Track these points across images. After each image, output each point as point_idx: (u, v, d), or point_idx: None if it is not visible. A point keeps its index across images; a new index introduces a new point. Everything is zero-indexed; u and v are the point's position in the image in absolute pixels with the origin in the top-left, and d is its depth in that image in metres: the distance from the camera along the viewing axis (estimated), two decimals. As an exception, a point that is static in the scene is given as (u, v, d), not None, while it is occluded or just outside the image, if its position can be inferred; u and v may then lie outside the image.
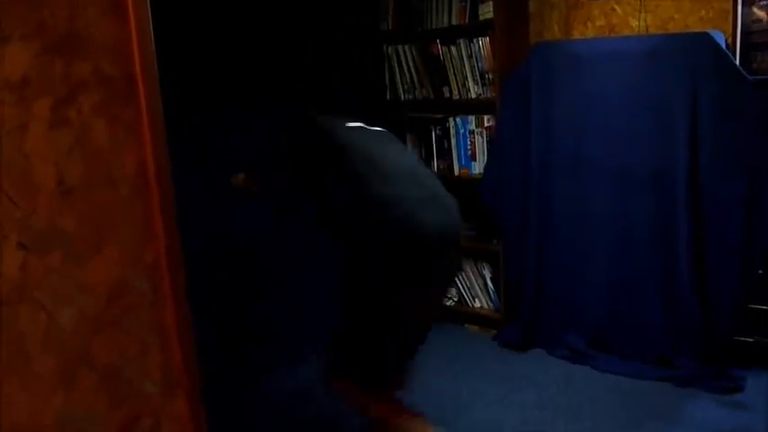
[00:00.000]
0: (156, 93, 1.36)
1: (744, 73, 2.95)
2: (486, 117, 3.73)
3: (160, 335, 1.41)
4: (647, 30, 3.42)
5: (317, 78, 3.46)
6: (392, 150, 2.26)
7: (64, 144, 1.21)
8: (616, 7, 3.51)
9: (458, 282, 4.03)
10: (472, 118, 3.78)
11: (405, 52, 3.92)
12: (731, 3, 3.18)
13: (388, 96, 4.04)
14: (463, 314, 4.00)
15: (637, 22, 3.44)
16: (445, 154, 3.92)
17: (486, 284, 3.95)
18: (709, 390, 3.07)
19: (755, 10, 3.15)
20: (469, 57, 3.69)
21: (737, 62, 3.07)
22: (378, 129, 2.30)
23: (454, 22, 3.73)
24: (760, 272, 3.11)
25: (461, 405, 3.10)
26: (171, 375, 1.44)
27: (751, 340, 3.23)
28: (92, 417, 1.30)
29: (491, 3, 3.54)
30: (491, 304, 3.95)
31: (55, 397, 1.25)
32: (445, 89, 3.83)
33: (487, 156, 3.72)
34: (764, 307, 3.22)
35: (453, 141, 3.87)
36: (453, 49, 3.73)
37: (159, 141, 1.37)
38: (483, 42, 3.63)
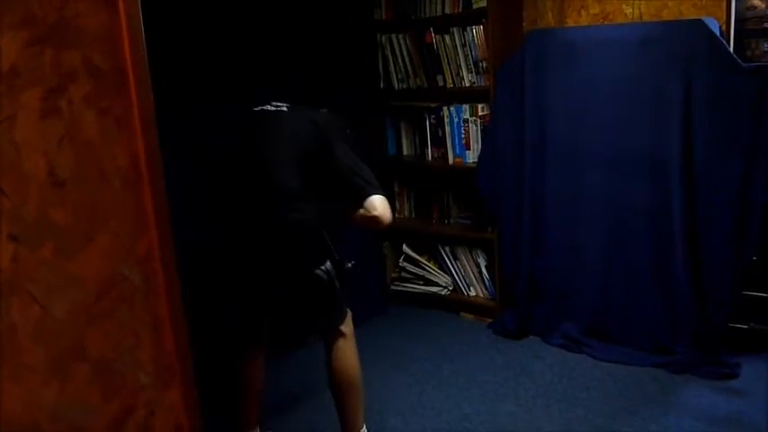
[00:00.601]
0: (147, 85, 1.35)
1: (738, 60, 2.94)
2: (480, 105, 3.73)
3: (153, 327, 1.41)
4: (641, 17, 3.41)
5: (311, 68, 3.44)
6: None
7: (54, 135, 1.20)
8: (610, -6, 3.51)
9: (453, 270, 4.04)
10: (466, 107, 3.77)
11: (398, 41, 3.91)
12: (725, -10, 3.18)
13: (381, 85, 4.03)
14: (458, 302, 4.01)
15: (631, 10, 3.44)
16: (439, 143, 3.92)
17: (481, 273, 3.95)
18: (703, 376, 3.09)
19: (749, -3, 3.14)
20: (463, 45, 3.68)
21: (731, 49, 3.06)
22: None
23: (448, 10, 3.72)
24: (754, 258, 3.11)
25: (456, 393, 3.11)
26: (164, 367, 1.44)
27: (745, 327, 3.24)
28: (85, 409, 1.30)
29: (485, -9, 3.53)
30: (486, 292, 3.95)
31: (48, 389, 1.24)
32: (439, 78, 3.82)
33: (482, 144, 3.72)
34: (759, 293, 3.24)
35: (447, 130, 3.86)
36: (447, 37, 3.72)
37: (151, 134, 1.37)
38: (476, 31, 3.62)
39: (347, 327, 2.50)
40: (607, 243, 3.36)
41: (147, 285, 1.40)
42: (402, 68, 3.94)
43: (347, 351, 2.49)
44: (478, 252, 3.96)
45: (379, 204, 2.29)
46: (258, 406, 2.67)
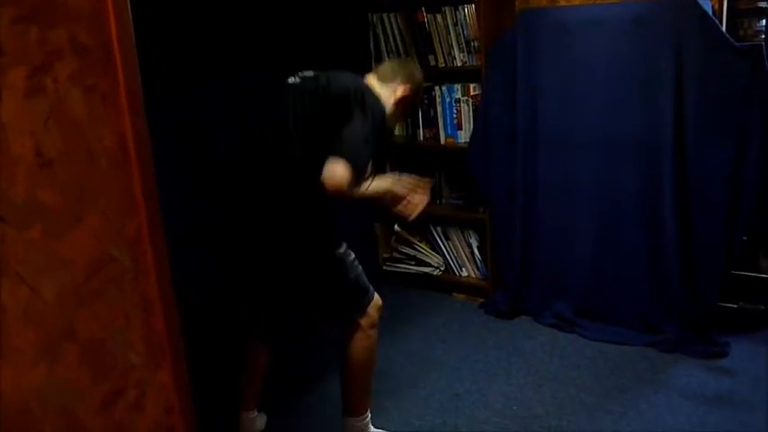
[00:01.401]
0: (133, 63, 1.33)
1: (730, 39, 2.93)
2: (472, 85, 3.71)
3: (143, 307, 1.40)
4: (633, -4, 3.39)
5: (301, 47, 3.42)
6: None
7: (40, 114, 1.18)
8: (603, -27, 3.48)
9: (445, 251, 4.04)
10: (458, 86, 3.76)
11: (390, 20, 3.88)
12: (718, -32, 3.17)
13: (372, 65, 4.00)
14: (450, 283, 4.02)
15: (623, -12, 3.41)
16: (431, 123, 3.90)
17: (473, 253, 3.96)
18: (693, 355, 3.12)
19: (742, -24, 3.13)
20: (455, 24, 3.66)
21: (724, 29, 3.05)
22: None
23: (439, -11, 3.70)
24: (744, 238, 3.13)
25: (448, 373, 3.12)
26: (155, 347, 1.43)
27: (735, 306, 3.27)
28: (75, 390, 1.29)
29: (477, -31, 3.51)
30: (478, 273, 3.96)
31: (37, 371, 1.24)
32: (431, 57, 3.79)
33: (473, 124, 3.70)
34: (749, 273, 3.26)
35: (439, 110, 3.85)
36: (438, 16, 3.70)
37: (138, 113, 1.35)
38: (468, 10, 3.59)
39: (366, 319, 2.43)
40: (598, 223, 3.37)
41: (137, 266, 1.39)
42: (393, 48, 3.92)
43: (360, 345, 2.43)
44: (470, 232, 3.97)
45: (328, 167, 2.11)
46: (259, 389, 2.66)
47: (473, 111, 3.72)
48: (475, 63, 3.65)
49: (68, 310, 1.27)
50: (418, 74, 2.59)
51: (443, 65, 3.77)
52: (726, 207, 3.04)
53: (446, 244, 4.04)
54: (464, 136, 3.78)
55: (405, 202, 2.57)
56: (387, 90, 2.47)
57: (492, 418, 2.76)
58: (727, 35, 2.96)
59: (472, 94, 3.72)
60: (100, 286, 1.32)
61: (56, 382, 1.26)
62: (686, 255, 3.17)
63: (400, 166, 4.17)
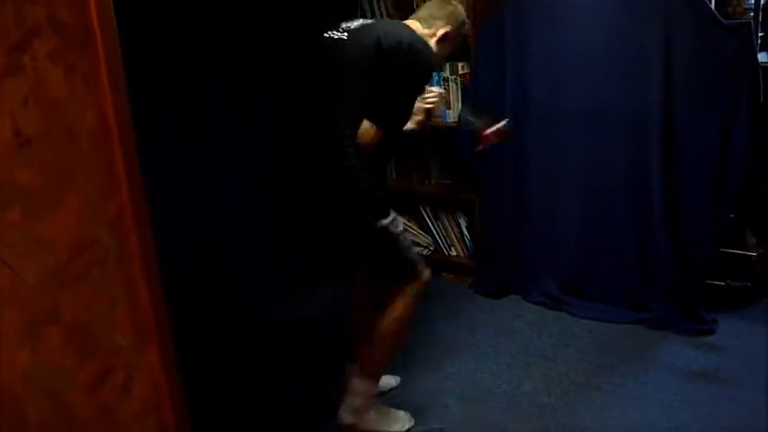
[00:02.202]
0: (114, 41, 1.31)
1: (719, 17, 2.92)
2: (460, 64, 3.68)
3: (128, 289, 1.39)
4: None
5: (286, 23, 3.38)
6: None
7: (18, 93, 1.16)
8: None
9: (434, 230, 4.04)
10: (446, 65, 3.73)
11: (378, -2, 3.84)
12: (707, -56, 3.14)
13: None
14: (439, 263, 4.01)
15: (612, -35, 3.39)
16: (419, 102, 3.87)
17: (461, 233, 3.96)
18: (681, 332, 3.13)
19: (731, -48, 3.11)
20: (443, 2, 3.62)
21: (713, 6, 3.03)
22: None
23: (427, -34, 3.65)
24: (732, 216, 3.14)
25: (437, 352, 3.13)
26: (141, 328, 1.42)
27: (722, 284, 3.28)
28: (61, 372, 1.28)
29: (465, -56, 3.46)
30: (467, 252, 3.96)
31: (21, 353, 1.22)
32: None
33: (462, 104, 3.68)
34: (736, 251, 3.27)
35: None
36: (427, -6, 3.66)
37: (120, 92, 1.33)
38: (457, -13, 3.55)
39: (408, 292, 2.42)
40: (587, 201, 3.37)
41: (121, 247, 1.37)
42: (382, 4, 3.87)
43: (395, 314, 2.40)
44: (459, 212, 3.96)
45: (361, 129, 2.21)
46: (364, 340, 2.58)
47: (461, 90, 3.70)
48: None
49: (51, 292, 1.25)
50: (459, 14, 2.54)
51: (432, 43, 3.73)
52: (713, 184, 3.04)
53: (435, 224, 4.04)
54: (453, 115, 3.75)
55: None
56: (429, 32, 2.45)
57: (481, 397, 2.77)
58: (716, 12, 2.95)
59: (461, 72, 3.69)
60: (83, 268, 1.30)
61: (40, 364, 1.25)
62: (674, 232, 3.18)
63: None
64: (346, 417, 2.47)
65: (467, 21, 2.59)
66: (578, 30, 3.22)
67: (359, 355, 2.53)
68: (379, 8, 3.85)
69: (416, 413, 2.66)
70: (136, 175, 1.37)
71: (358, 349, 2.57)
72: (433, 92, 2.59)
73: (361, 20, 2.44)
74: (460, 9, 2.57)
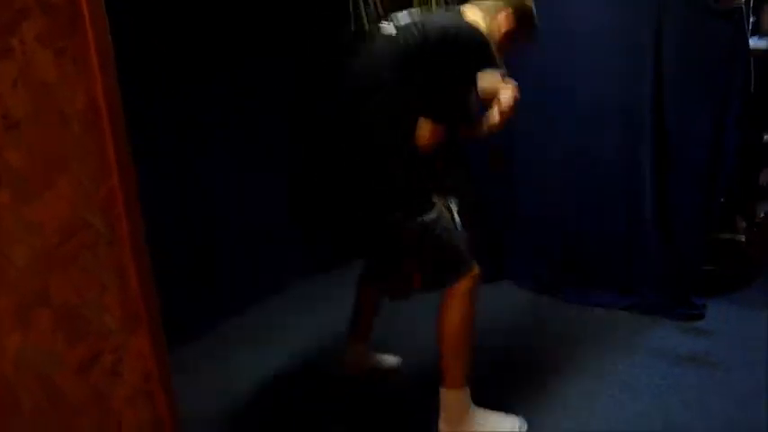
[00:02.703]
0: (103, 24, 1.29)
1: (711, 3, 2.91)
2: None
3: (118, 272, 1.39)
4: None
5: (278, 8, 3.37)
6: None
7: (7, 75, 1.15)
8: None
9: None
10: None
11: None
12: (699, -70, 3.12)
13: (352, 27, 3.94)
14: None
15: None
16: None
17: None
18: (671, 317, 3.15)
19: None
20: (436, -9, 3.61)
21: (704, -9, 3.03)
22: None
23: (420, -50, 3.63)
24: (722, 200, 3.15)
25: (428, 341, 3.13)
26: (131, 312, 1.42)
27: (712, 268, 3.29)
28: (51, 355, 1.29)
29: (457, -70, 3.44)
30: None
31: (12, 336, 1.23)
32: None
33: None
34: (726, 236, 3.28)
35: (420, 75, 3.80)
36: (420, -17, 3.64)
37: (110, 75, 1.32)
38: (451, -23, 3.54)
39: (459, 288, 2.37)
40: (579, 188, 3.37)
41: (111, 231, 1.37)
42: (373, 9, 3.85)
43: (453, 314, 2.37)
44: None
45: (419, 128, 2.21)
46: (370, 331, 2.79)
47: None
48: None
49: (41, 275, 1.25)
50: None
51: (424, 28, 3.71)
52: (705, 169, 3.05)
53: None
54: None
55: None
56: (491, 21, 2.35)
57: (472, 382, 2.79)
58: (708, -1, 2.95)
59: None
60: (74, 251, 1.30)
61: (31, 347, 1.25)
62: (665, 218, 3.18)
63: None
64: (444, 428, 2.42)
65: (530, 5, 2.47)
66: (570, 18, 3.20)
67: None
68: (374, 4, 3.83)
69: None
70: (126, 158, 1.37)
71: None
72: (505, 87, 2.39)
73: (408, 13, 2.40)
74: None
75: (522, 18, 2.41)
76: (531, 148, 3.45)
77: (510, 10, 2.37)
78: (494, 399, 2.65)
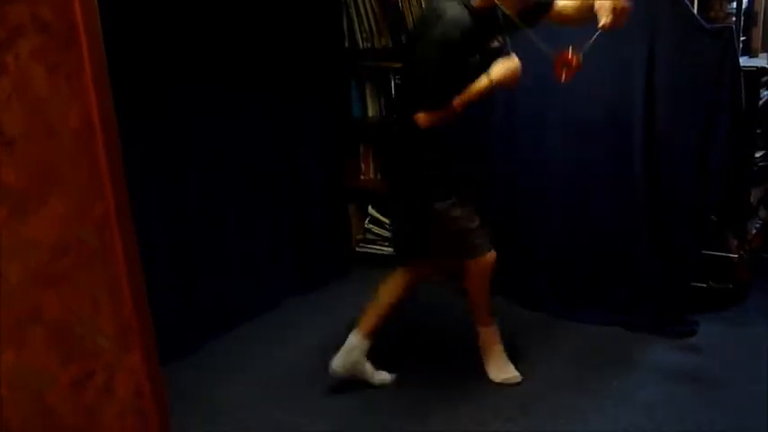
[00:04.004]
0: (98, 41, 1.30)
1: (701, 21, 2.94)
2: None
3: (112, 290, 1.38)
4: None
5: (274, 28, 3.39)
6: None
7: (1, 92, 1.15)
8: (575, -47, 3.45)
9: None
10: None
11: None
12: (689, -51, 3.16)
13: (346, 44, 3.96)
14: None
15: (596, -31, 3.40)
16: (405, 104, 3.87)
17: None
18: (663, 334, 3.14)
19: (713, -43, 3.13)
20: (429, 4, 3.63)
21: (695, 10, 3.05)
22: None
23: (412, -32, 3.66)
24: (713, 218, 3.16)
25: (419, 355, 3.13)
26: (124, 330, 1.42)
27: (704, 286, 3.30)
28: (43, 373, 1.28)
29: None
30: (451, 254, 3.96)
31: (5, 354, 1.22)
32: (404, 37, 3.76)
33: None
34: (717, 253, 3.29)
35: (412, 90, 3.82)
36: (412, -4, 3.67)
37: (104, 92, 1.32)
38: (442, -10, 3.56)
39: (474, 266, 2.77)
40: (569, 203, 3.37)
41: (105, 248, 1.37)
42: (367, 27, 3.88)
43: (472, 280, 2.81)
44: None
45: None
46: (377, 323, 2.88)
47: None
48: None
49: (35, 292, 1.25)
50: None
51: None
52: (694, 187, 3.06)
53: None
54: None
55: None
56: None
57: (467, 396, 2.78)
58: (698, 17, 2.97)
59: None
60: (67, 269, 1.30)
61: (24, 365, 1.25)
62: (657, 235, 3.19)
63: (375, 147, 4.16)
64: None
65: None
66: (563, 33, 3.21)
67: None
68: (367, 20, 3.86)
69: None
70: (120, 175, 1.37)
71: None
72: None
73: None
74: None
75: None
76: (521, 164, 3.46)
77: None
78: (484, 413, 2.66)
